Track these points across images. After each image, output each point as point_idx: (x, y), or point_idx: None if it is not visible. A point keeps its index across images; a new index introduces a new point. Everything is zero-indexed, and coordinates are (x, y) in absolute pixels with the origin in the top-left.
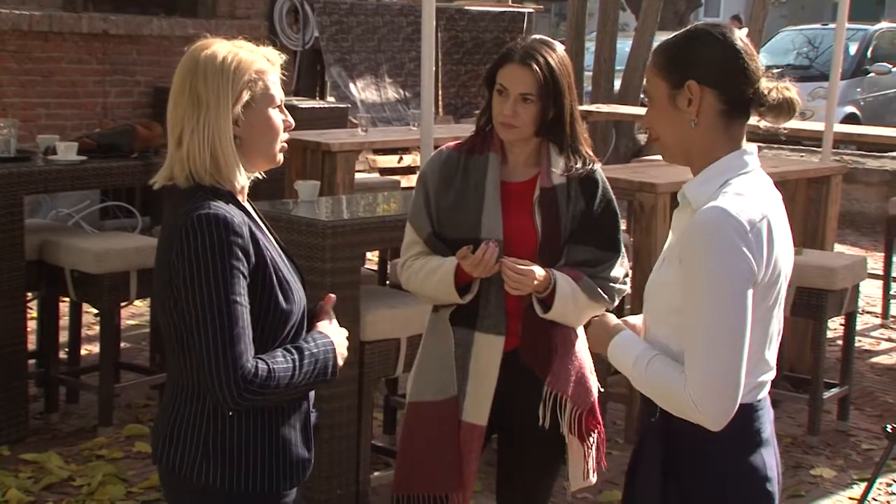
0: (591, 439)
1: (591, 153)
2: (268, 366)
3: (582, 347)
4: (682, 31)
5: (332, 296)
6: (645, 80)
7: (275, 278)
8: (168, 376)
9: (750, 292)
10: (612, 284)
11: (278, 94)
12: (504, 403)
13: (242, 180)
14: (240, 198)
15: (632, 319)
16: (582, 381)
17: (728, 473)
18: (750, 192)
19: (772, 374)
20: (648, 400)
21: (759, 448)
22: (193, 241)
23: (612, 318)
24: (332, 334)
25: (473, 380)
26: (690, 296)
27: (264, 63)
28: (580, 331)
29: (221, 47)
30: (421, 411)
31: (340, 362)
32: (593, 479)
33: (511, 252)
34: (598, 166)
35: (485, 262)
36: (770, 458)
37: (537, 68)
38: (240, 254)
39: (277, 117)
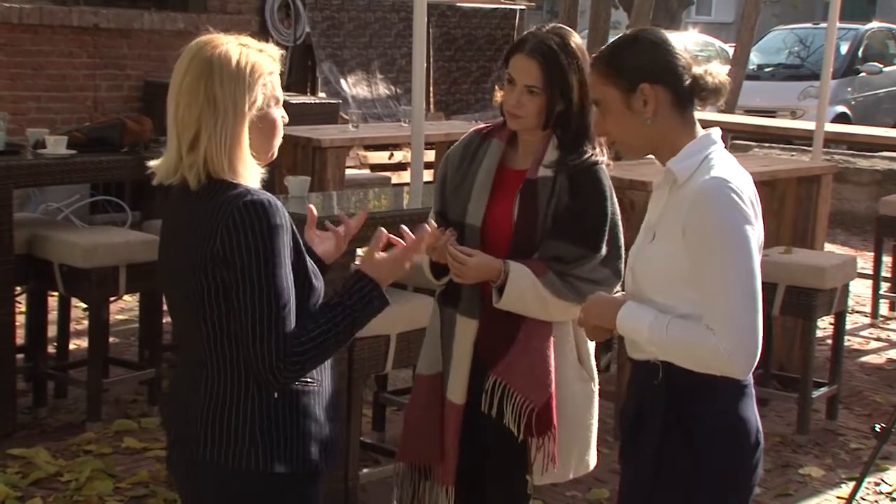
0: (542, 438)
1: (599, 149)
2: (311, 339)
3: (556, 344)
4: (619, 38)
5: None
6: (593, 89)
7: (306, 260)
8: (191, 365)
9: (756, 247)
10: (583, 283)
11: (280, 92)
12: (479, 387)
13: (256, 182)
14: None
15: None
16: (538, 376)
17: (727, 423)
18: (733, 165)
19: None
20: (647, 364)
21: (748, 399)
22: (242, 227)
23: (608, 295)
24: (372, 269)
25: (454, 360)
26: (706, 257)
27: (271, 63)
28: (568, 328)
29: (232, 47)
30: (417, 384)
31: (401, 272)
32: (567, 474)
33: (488, 238)
34: (598, 162)
35: (438, 248)
36: (755, 407)
37: (543, 60)
38: (286, 237)
39: (279, 116)
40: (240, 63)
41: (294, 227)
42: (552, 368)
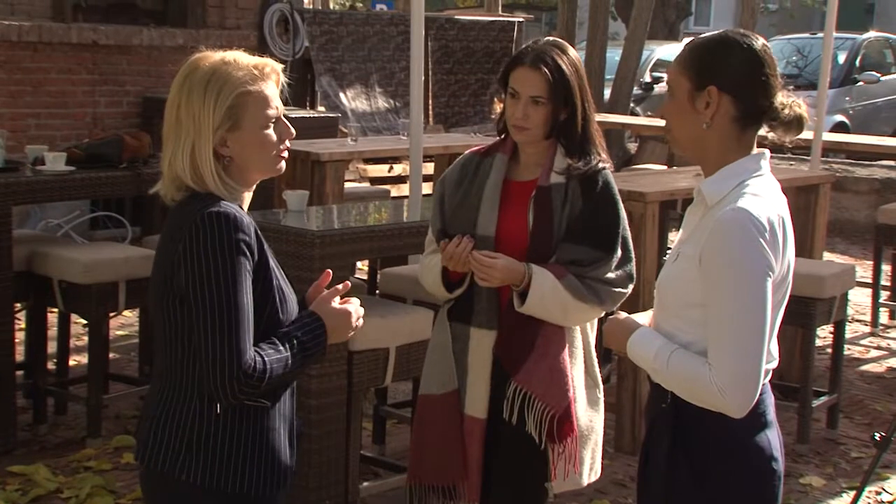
0: (563, 444)
1: (602, 155)
2: (264, 361)
3: (569, 350)
4: (715, 34)
5: (328, 271)
6: (668, 73)
7: (274, 281)
8: (157, 373)
9: (770, 286)
10: (601, 286)
11: (272, 111)
12: (500, 398)
13: (234, 197)
14: (239, 204)
15: (637, 317)
16: (557, 382)
17: (737, 452)
18: (765, 193)
19: (774, 363)
20: (659, 387)
21: (764, 429)
22: (202, 238)
23: (629, 317)
24: (326, 315)
25: (471, 374)
26: (715, 290)
27: (256, 80)
28: (577, 334)
29: (210, 65)
30: (427, 404)
31: (344, 337)
32: (582, 481)
33: (502, 248)
34: (605, 167)
35: (456, 255)
36: (775, 439)
37: (547, 71)
38: (246, 252)
39: (271, 135)
40: (210, 81)
41: (266, 247)
42: (569, 374)
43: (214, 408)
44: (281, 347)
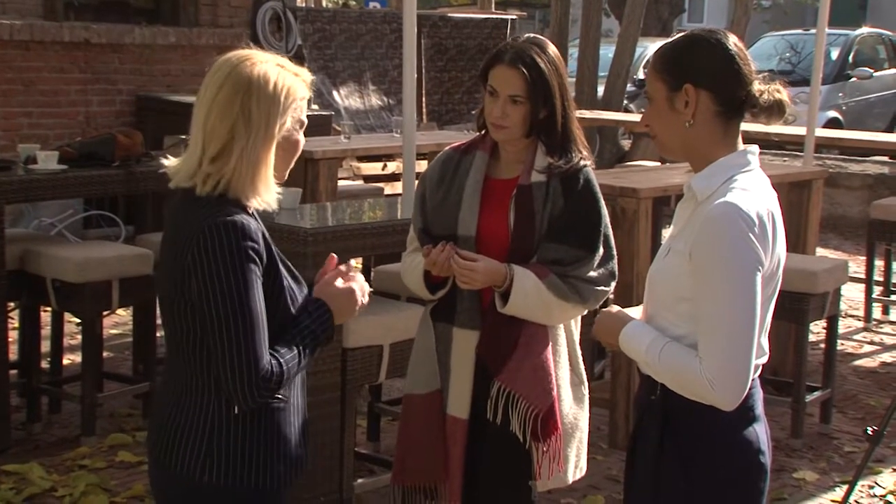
0: (547, 442)
1: (583, 153)
2: (280, 364)
3: (553, 348)
4: (681, 35)
5: (333, 255)
6: (646, 81)
7: (284, 283)
8: (168, 379)
9: (759, 280)
10: (584, 284)
11: (305, 116)
12: (483, 398)
13: (273, 201)
14: (251, 210)
15: (629, 311)
16: (541, 380)
17: (725, 445)
18: (754, 188)
19: (765, 359)
20: (649, 379)
21: (752, 423)
22: (211, 247)
23: (621, 310)
24: (329, 298)
25: (453, 374)
26: (704, 285)
27: (303, 88)
28: (561, 332)
29: (270, 68)
30: (411, 404)
31: (350, 315)
32: (567, 479)
33: (483, 247)
34: (586, 165)
35: (439, 262)
36: (762, 433)
37: (525, 70)
38: (255, 258)
39: (301, 139)
40: (277, 85)
41: (274, 249)
42: (553, 373)
43: (233, 409)
44: (293, 343)
